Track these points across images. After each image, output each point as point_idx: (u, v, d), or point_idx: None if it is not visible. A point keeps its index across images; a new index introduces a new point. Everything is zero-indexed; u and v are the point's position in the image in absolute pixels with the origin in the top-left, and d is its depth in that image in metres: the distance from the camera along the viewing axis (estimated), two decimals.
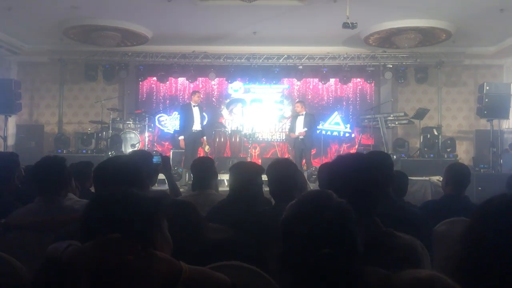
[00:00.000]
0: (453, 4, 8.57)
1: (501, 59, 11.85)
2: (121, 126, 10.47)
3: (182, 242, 1.68)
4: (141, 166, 2.69)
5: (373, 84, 12.09)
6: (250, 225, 2.35)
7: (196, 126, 9.19)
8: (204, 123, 10.00)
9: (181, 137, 9.14)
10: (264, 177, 2.97)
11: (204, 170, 3.31)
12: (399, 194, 3.74)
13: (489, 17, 9.18)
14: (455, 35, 10.14)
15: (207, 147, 9.47)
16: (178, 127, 9.74)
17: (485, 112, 9.09)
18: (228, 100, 12.38)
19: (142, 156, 3.12)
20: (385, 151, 9.54)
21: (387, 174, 2.77)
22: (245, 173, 2.92)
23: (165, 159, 3.48)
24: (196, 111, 9.25)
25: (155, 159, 3.36)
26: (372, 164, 1.85)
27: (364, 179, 1.75)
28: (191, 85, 12.11)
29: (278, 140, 11.95)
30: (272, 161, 2.96)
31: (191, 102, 9.37)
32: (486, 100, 9.03)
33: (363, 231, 1.71)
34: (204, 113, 9.95)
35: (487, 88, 9.08)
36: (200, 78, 12.15)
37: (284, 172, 2.71)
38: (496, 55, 11.56)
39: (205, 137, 9.44)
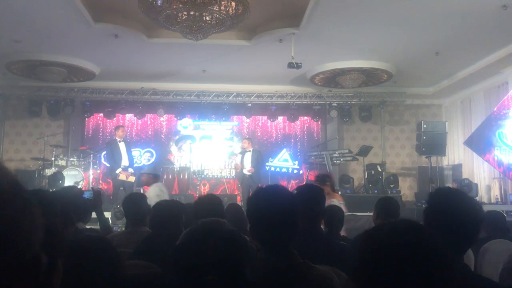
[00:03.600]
0: (391, 46, 9.02)
1: (440, 99, 12.50)
2: (64, 163, 10.15)
3: (95, 278, 1.63)
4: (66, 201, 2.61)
5: (319, 122, 12.40)
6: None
7: (124, 162, 9.03)
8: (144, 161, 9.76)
9: (119, 170, 8.93)
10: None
11: (136, 206, 3.23)
12: (335, 228, 3.81)
13: (426, 60, 9.71)
14: (396, 76, 10.63)
15: (131, 177, 9.15)
16: (108, 165, 9.53)
17: (423, 149, 9.49)
18: (177, 137, 12.32)
19: (71, 193, 3.02)
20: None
21: (318, 208, 2.82)
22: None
23: (97, 194, 3.38)
24: (122, 146, 9.11)
25: (87, 194, 3.27)
26: (289, 196, 1.88)
27: (279, 211, 1.77)
28: (139, 121, 12.02)
29: (228, 177, 11.93)
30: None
31: (116, 138, 9.23)
32: (424, 137, 9.44)
33: (279, 261, 1.73)
34: (132, 149, 9.75)
35: (425, 126, 9.52)
36: (148, 115, 12.08)
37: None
38: (435, 95, 12.18)
39: (131, 169, 9.20)
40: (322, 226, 3.35)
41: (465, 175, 10.87)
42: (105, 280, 1.64)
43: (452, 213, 1.76)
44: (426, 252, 1.02)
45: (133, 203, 3.21)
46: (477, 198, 9.45)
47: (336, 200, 5.24)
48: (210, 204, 2.89)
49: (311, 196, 2.74)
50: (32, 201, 0.66)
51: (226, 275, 1.18)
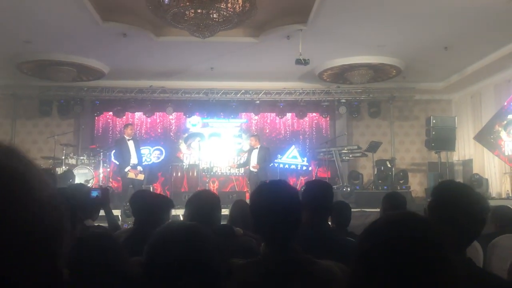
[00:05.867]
0: (400, 41, 8.96)
1: (449, 94, 12.40)
2: (74, 161, 10.23)
3: (98, 272, 1.66)
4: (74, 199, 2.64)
5: (328, 119, 12.38)
6: None
7: (133, 160, 9.08)
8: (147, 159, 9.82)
9: (128, 168, 8.98)
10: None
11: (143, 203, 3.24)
12: (341, 224, 3.81)
13: (435, 55, 9.63)
14: (405, 71, 10.56)
15: (140, 175, 9.20)
16: (117, 163, 9.60)
17: (433, 144, 9.44)
18: (186, 135, 12.37)
19: (79, 190, 3.05)
20: (341, 184, 9.72)
21: (326, 204, 2.82)
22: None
23: (104, 192, 3.41)
24: (131, 144, 9.15)
25: (94, 194, 3.30)
26: (291, 191, 1.88)
27: (281, 206, 1.78)
28: (148, 120, 12.10)
29: (236, 174, 11.95)
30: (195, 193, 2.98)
31: (125, 136, 9.28)
32: (433, 133, 9.39)
33: (281, 256, 1.74)
34: (141, 147, 9.79)
35: (434, 121, 9.47)
36: (157, 113, 12.14)
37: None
38: (445, 90, 12.09)
39: (140, 167, 9.28)
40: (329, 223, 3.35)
41: (475, 170, 10.78)
42: (108, 275, 1.66)
43: (455, 205, 1.76)
44: (421, 242, 1.02)
45: (139, 200, 3.23)
46: (488, 193, 9.37)
47: None
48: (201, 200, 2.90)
49: (319, 192, 2.75)
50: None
51: (197, 272, 1.19)
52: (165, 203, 2.83)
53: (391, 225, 1.08)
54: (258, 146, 9.92)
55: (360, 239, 1.10)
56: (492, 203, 5.50)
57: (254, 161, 9.77)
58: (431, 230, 1.06)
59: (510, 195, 9.51)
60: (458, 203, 1.78)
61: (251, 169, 9.74)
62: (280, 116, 12.19)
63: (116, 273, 1.70)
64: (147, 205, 2.79)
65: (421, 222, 1.09)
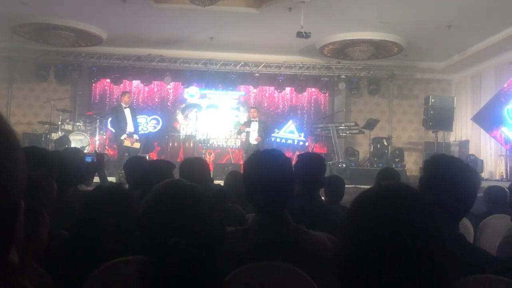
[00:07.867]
0: (403, 18, 8.84)
1: (450, 75, 12.31)
2: (71, 127, 10.18)
3: (111, 226, 1.66)
4: (68, 162, 2.63)
5: (327, 94, 12.31)
6: None
7: (130, 128, 9.05)
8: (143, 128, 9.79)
9: (124, 136, 8.94)
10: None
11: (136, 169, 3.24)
12: (334, 198, 3.82)
13: (438, 33, 9.52)
14: (407, 49, 10.45)
15: (136, 144, 9.16)
16: (113, 130, 9.56)
17: (430, 123, 9.43)
18: (183, 105, 12.30)
19: (73, 154, 3.03)
20: (336, 159, 9.74)
21: (318, 176, 2.83)
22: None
23: (99, 157, 3.40)
24: (127, 112, 9.11)
25: (89, 159, 3.28)
26: (284, 161, 1.87)
27: (274, 175, 1.77)
28: (146, 88, 12.00)
29: (233, 146, 11.95)
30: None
31: (122, 104, 9.22)
32: (431, 112, 9.36)
33: (273, 225, 1.74)
34: (137, 116, 9.74)
35: (432, 100, 9.43)
36: (155, 82, 12.03)
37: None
38: (445, 70, 12.00)
39: (136, 135, 9.25)
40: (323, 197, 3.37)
41: (471, 151, 10.79)
42: (119, 229, 1.67)
43: (446, 179, 1.74)
44: (413, 214, 1.00)
45: (133, 166, 3.22)
46: (482, 175, 9.40)
47: None
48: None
49: (311, 164, 2.75)
50: (18, 144, 0.62)
51: (190, 234, 1.17)
52: (164, 168, 2.83)
53: (383, 197, 1.06)
54: (258, 119, 9.90)
55: (351, 209, 1.08)
56: (485, 184, 5.53)
57: (254, 133, 9.75)
58: (424, 202, 1.04)
59: (504, 177, 9.56)
60: (449, 176, 1.76)
61: (252, 141, 9.73)
62: (279, 90, 12.11)
63: (127, 229, 1.69)
64: (144, 170, 2.79)
65: (414, 194, 1.07)
